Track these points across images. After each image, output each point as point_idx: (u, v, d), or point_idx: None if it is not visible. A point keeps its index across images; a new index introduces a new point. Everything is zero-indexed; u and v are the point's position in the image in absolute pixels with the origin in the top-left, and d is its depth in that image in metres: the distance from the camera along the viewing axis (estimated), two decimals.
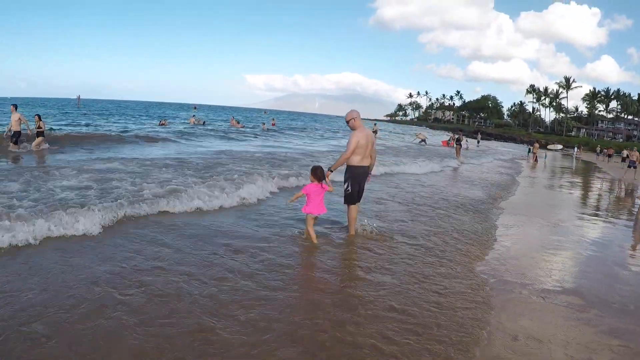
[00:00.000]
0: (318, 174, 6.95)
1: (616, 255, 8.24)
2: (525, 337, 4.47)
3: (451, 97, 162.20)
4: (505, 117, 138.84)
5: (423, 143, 43.64)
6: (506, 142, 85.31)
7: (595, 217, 12.02)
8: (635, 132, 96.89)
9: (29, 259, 5.55)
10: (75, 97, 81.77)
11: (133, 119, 47.00)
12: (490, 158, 32.33)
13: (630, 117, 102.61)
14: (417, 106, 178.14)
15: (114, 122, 38.92)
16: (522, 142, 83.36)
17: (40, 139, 16.91)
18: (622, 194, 19.75)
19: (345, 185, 7.39)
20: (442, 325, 4.54)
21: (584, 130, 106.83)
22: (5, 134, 16.93)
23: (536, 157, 35.97)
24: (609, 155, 47.86)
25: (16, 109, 16.73)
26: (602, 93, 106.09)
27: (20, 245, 5.92)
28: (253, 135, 33.43)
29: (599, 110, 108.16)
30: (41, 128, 17.08)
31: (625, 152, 42.74)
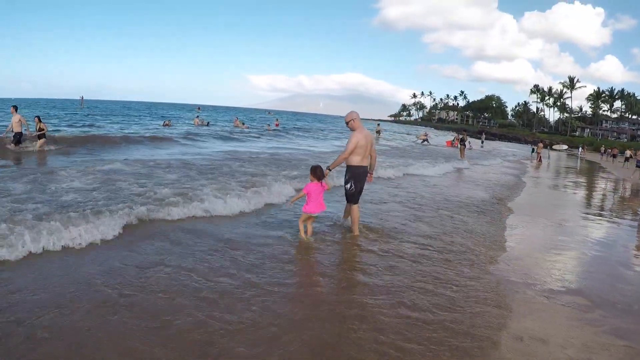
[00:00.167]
0: (318, 173, 7.06)
1: (620, 255, 8.22)
2: (529, 338, 4.47)
3: (455, 98, 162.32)
4: (509, 117, 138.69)
5: (426, 142, 43.55)
6: (510, 142, 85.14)
7: (600, 217, 11.99)
8: (639, 132, 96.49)
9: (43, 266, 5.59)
10: (78, 98, 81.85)
11: (137, 120, 47.08)
12: (498, 160, 31.74)
13: (634, 116, 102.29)
14: (421, 106, 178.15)
15: (118, 123, 38.93)
16: (526, 142, 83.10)
17: (42, 140, 16.97)
18: (627, 194, 19.71)
19: (348, 185, 7.50)
20: (448, 327, 4.55)
21: (588, 130, 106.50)
22: (4, 134, 16.98)
23: (540, 157, 35.90)
24: (614, 156, 47.72)
25: (16, 110, 16.75)
26: (606, 93, 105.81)
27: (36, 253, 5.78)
28: (258, 136, 33.47)
29: (603, 110, 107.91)
30: (43, 130, 17.14)
31: (628, 152, 42.62)
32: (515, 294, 5.62)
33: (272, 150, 23.22)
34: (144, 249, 6.25)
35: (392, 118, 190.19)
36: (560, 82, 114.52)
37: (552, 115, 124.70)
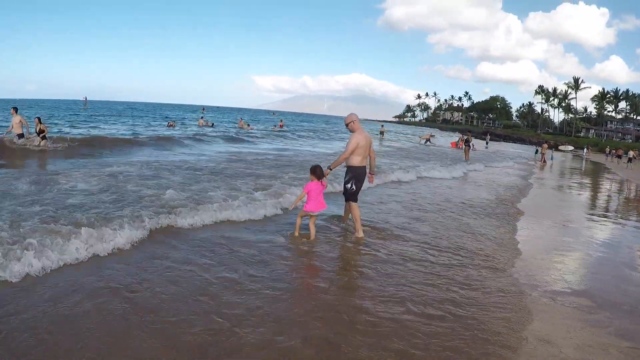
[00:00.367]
0: (317, 172, 7.25)
1: (625, 256, 8.22)
2: (535, 339, 4.48)
3: (460, 98, 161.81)
4: (514, 118, 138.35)
5: (429, 143, 43.45)
6: (515, 143, 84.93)
7: (604, 218, 11.99)
8: None
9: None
10: (82, 98, 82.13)
11: (140, 121, 47.12)
12: (510, 162, 31.22)
13: (639, 117, 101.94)
14: (425, 107, 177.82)
15: (122, 124, 39.08)
16: (531, 143, 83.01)
17: (44, 141, 16.94)
18: (632, 194, 19.68)
19: (349, 185, 7.70)
20: (455, 329, 4.59)
21: (593, 130, 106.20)
22: (3, 135, 17.03)
23: (544, 158, 35.83)
24: (619, 156, 47.61)
25: (17, 111, 16.77)
26: (611, 93, 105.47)
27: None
28: (263, 137, 33.44)
29: (608, 111, 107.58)
30: (43, 131, 17.16)
31: (631, 153, 42.53)
32: (520, 295, 5.63)
33: (278, 151, 23.23)
34: (166, 255, 6.30)
35: (397, 119, 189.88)
36: (564, 83, 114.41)
37: (556, 116, 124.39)
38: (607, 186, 23.00)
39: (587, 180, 24.58)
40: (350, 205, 7.82)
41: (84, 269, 5.46)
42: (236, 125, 45.85)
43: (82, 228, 6.29)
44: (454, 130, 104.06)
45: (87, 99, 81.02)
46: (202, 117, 47.75)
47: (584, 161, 47.16)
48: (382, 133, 46.91)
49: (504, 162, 30.71)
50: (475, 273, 6.31)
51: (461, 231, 8.75)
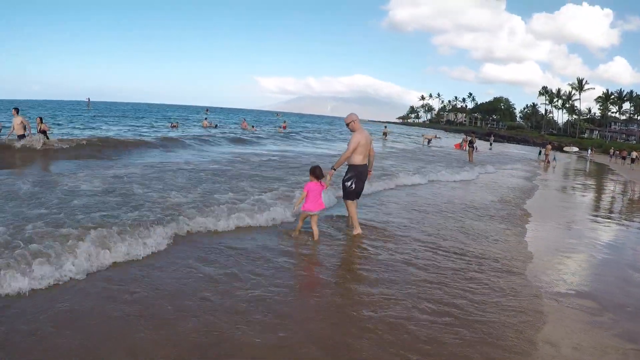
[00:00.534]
0: (317, 172, 7.40)
1: (630, 258, 8.22)
2: (540, 341, 4.49)
3: (463, 99, 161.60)
4: (517, 119, 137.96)
5: (430, 144, 43.38)
6: (519, 144, 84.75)
7: (609, 220, 11.99)
8: None
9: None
10: (85, 99, 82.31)
11: (143, 121, 47.26)
12: (515, 164, 31.16)
13: None
14: (429, 108, 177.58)
15: (125, 125, 39.18)
16: (535, 144, 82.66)
17: (44, 141, 16.89)
18: (636, 195, 19.65)
19: (349, 183, 7.86)
20: (460, 331, 4.61)
21: (597, 132, 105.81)
22: (6, 137, 17.04)
23: (548, 159, 35.75)
24: (623, 157, 47.56)
25: (18, 112, 16.67)
26: (615, 94, 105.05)
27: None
28: (267, 137, 33.51)
29: (612, 112, 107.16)
30: (45, 131, 17.17)
31: (634, 154, 42.44)
32: (524, 296, 5.63)
33: (284, 152, 23.26)
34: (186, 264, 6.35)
35: (401, 120, 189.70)
36: (568, 84, 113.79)
37: (560, 117, 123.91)
38: (611, 187, 22.97)
39: (590, 182, 24.54)
40: (346, 203, 8.01)
41: None
42: (239, 126, 45.95)
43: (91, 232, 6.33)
44: (457, 131, 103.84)
45: (90, 99, 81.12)
46: (205, 119, 47.77)
47: (588, 162, 47.06)
48: (385, 134, 46.97)
49: (512, 164, 30.52)
50: (481, 274, 6.32)
51: (469, 232, 8.78)
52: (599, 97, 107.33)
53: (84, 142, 18.79)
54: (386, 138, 45.74)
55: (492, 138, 61.50)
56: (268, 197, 9.80)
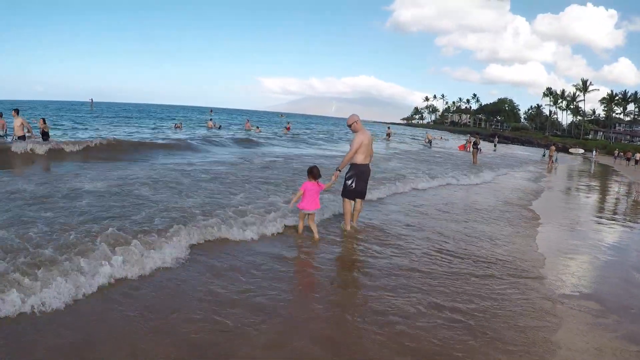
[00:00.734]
0: (314, 172, 7.55)
1: (634, 260, 8.19)
2: (543, 342, 4.51)
3: (468, 101, 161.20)
4: (522, 120, 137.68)
5: (431, 144, 43.31)
6: (523, 145, 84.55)
7: (613, 221, 11.96)
8: None
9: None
10: (88, 100, 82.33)
11: (146, 122, 47.34)
12: (523, 166, 30.61)
13: None
14: (433, 109, 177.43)
15: (127, 125, 39.32)
16: (539, 145, 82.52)
17: (45, 141, 16.87)
18: None
19: (350, 182, 8.04)
20: (463, 332, 4.63)
21: (601, 133, 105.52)
22: (9, 140, 17.03)
23: (552, 160, 35.66)
24: (627, 159, 47.47)
25: (18, 113, 16.56)
26: (620, 95, 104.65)
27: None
28: (273, 138, 33.51)
29: (617, 113, 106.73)
30: (47, 132, 17.19)
31: (638, 155, 42.37)
32: (527, 297, 5.64)
33: (292, 153, 23.32)
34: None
35: (405, 121, 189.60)
36: (573, 85, 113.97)
37: (565, 118, 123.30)
38: (616, 189, 22.94)
39: (595, 183, 24.52)
40: (343, 201, 8.18)
41: None
42: (243, 126, 46.11)
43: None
44: (461, 132, 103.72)
45: (94, 100, 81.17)
46: (210, 119, 47.88)
47: (592, 164, 46.94)
48: (388, 135, 47.06)
49: (519, 166, 30.14)
50: (484, 274, 6.34)
51: (471, 234, 8.82)
52: (604, 98, 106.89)
53: (84, 143, 18.12)
54: (390, 139, 45.78)
55: (497, 139, 61.38)
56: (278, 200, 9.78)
